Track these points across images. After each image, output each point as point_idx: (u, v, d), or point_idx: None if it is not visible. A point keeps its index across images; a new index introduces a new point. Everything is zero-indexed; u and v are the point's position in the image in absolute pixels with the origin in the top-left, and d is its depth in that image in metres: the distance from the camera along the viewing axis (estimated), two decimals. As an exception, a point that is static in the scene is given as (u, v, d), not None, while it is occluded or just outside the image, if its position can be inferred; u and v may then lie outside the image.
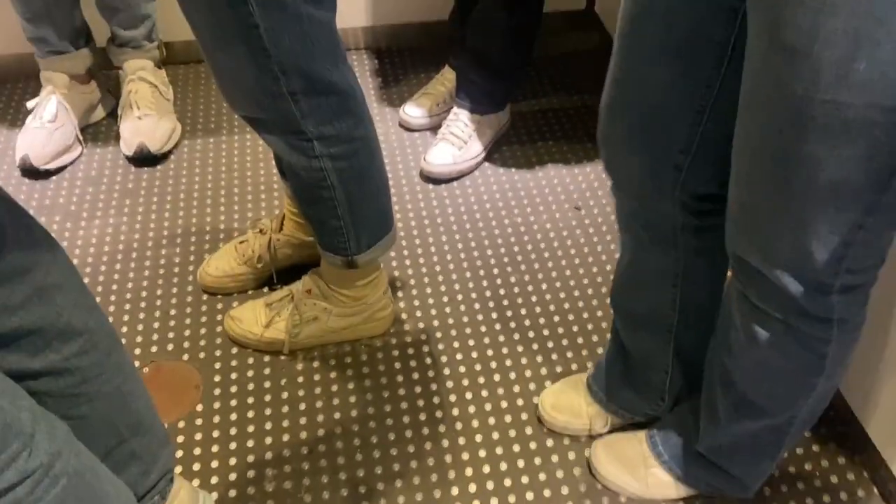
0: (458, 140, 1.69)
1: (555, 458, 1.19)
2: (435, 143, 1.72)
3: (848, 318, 0.83)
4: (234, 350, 1.36)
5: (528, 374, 1.33)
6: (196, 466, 1.19)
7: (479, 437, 1.23)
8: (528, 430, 1.24)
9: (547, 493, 1.16)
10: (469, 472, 1.18)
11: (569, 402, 1.23)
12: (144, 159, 1.72)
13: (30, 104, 1.70)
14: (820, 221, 0.73)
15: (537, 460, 1.19)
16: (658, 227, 0.96)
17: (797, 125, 0.67)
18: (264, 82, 0.98)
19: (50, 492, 0.71)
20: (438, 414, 1.26)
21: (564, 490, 1.16)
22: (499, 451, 1.21)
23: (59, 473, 0.72)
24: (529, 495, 1.15)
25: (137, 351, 1.35)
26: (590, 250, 1.55)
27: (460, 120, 1.71)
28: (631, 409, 1.19)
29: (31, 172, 1.68)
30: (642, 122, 0.87)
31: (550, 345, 1.38)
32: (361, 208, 1.17)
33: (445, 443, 1.22)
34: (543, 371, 1.33)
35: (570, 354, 1.36)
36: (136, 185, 1.69)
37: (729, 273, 0.91)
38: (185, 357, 1.35)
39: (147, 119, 1.72)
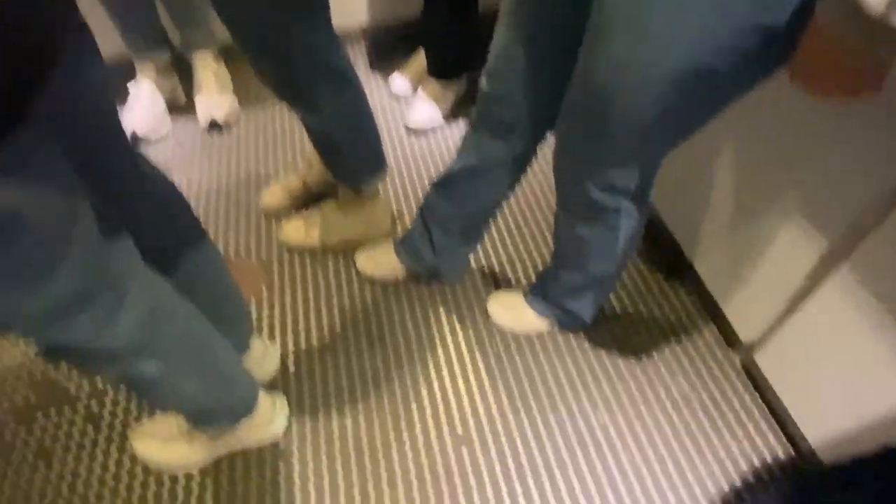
0: (430, 100, 1.67)
1: (479, 316, 1.26)
2: (413, 104, 1.69)
3: (631, 210, 0.87)
4: (286, 252, 1.40)
5: (492, 257, 1.38)
6: (265, 327, 1.25)
7: (464, 304, 1.29)
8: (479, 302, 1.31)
9: (465, 331, 1.24)
10: (447, 328, 1.25)
11: (376, 257, 1.29)
12: (214, 126, 1.71)
13: (131, 88, 1.67)
14: (622, 157, 0.76)
15: (472, 317, 1.26)
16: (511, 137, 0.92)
17: (618, 84, 0.65)
18: (294, 82, 0.97)
19: (181, 351, 0.73)
20: (427, 289, 1.32)
21: (472, 330, 1.23)
22: (475, 304, 1.28)
23: (187, 339, 0.74)
24: (461, 342, 1.24)
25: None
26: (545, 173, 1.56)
27: (429, 84, 1.68)
28: (418, 261, 1.22)
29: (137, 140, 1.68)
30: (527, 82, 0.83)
31: (513, 246, 1.42)
32: (361, 152, 1.18)
33: (430, 307, 1.28)
34: (515, 265, 1.38)
35: (520, 255, 1.41)
36: (210, 146, 1.69)
37: None
38: (253, 258, 1.39)
39: (214, 96, 1.70)
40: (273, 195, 1.47)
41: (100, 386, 1.18)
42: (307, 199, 1.48)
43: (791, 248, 0.98)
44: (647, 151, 0.76)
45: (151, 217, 0.74)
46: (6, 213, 0.47)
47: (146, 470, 1.06)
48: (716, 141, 1.10)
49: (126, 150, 0.69)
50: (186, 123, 1.76)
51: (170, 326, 0.72)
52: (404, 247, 1.25)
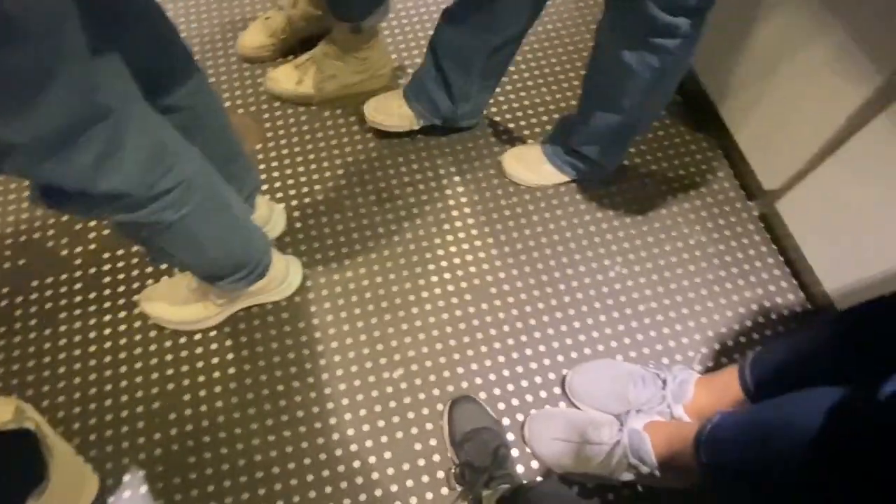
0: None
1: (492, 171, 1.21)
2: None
3: (687, 35, 0.82)
4: (276, 104, 1.29)
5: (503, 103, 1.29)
6: (265, 187, 1.19)
7: (460, 154, 1.23)
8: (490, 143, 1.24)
9: (477, 185, 1.20)
10: (458, 182, 1.20)
11: (386, 105, 1.19)
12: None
13: None
14: None
15: (484, 171, 1.21)
16: None
17: None
18: None
19: (194, 196, 0.71)
20: (435, 141, 1.25)
21: (485, 184, 1.20)
22: (476, 163, 1.23)
23: (198, 184, 0.71)
24: (474, 196, 1.19)
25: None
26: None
27: None
28: (432, 110, 1.15)
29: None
30: None
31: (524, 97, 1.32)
32: None
33: (440, 161, 1.23)
34: (517, 108, 1.30)
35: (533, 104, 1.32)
36: (170, -24, 1.47)
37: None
38: (240, 111, 1.28)
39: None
40: (253, 35, 1.32)
41: (91, 246, 1.12)
42: (292, 44, 1.33)
43: (830, 94, 0.93)
44: None
45: (143, 45, 0.66)
46: None
47: (159, 329, 1.04)
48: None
49: None
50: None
51: (178, 167, 0.67)
52: (414, 93, 1.15)
